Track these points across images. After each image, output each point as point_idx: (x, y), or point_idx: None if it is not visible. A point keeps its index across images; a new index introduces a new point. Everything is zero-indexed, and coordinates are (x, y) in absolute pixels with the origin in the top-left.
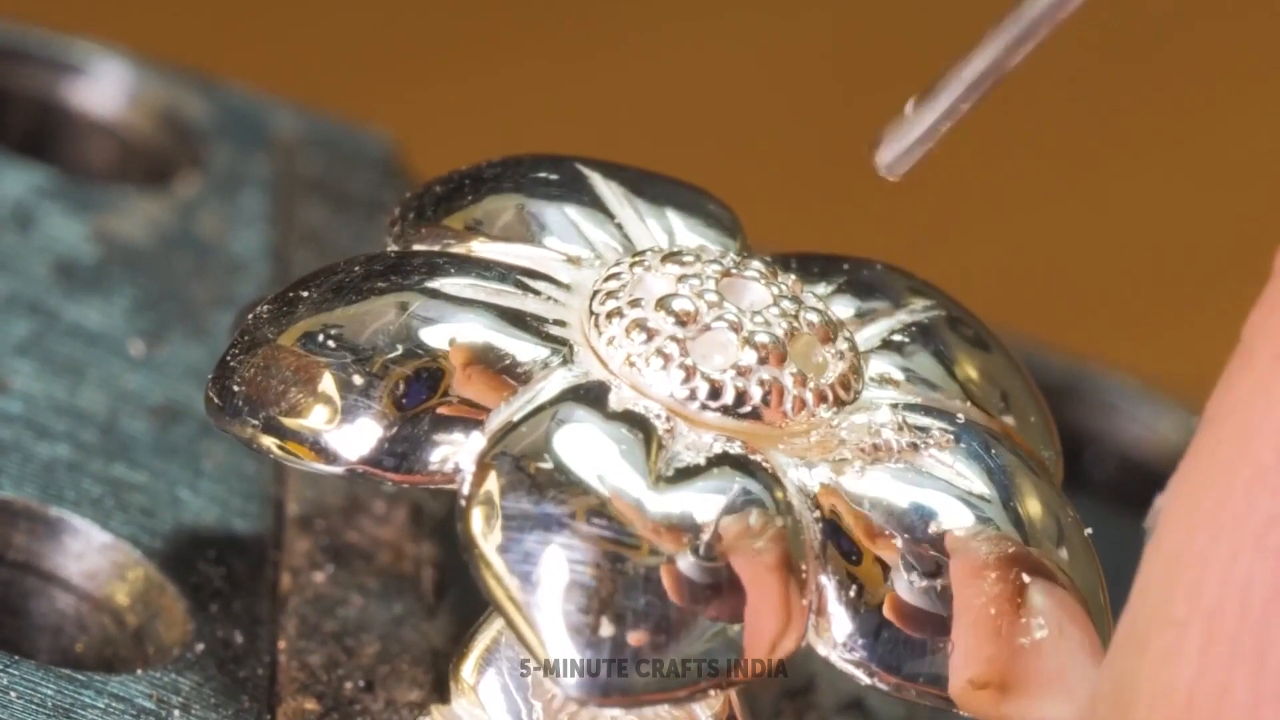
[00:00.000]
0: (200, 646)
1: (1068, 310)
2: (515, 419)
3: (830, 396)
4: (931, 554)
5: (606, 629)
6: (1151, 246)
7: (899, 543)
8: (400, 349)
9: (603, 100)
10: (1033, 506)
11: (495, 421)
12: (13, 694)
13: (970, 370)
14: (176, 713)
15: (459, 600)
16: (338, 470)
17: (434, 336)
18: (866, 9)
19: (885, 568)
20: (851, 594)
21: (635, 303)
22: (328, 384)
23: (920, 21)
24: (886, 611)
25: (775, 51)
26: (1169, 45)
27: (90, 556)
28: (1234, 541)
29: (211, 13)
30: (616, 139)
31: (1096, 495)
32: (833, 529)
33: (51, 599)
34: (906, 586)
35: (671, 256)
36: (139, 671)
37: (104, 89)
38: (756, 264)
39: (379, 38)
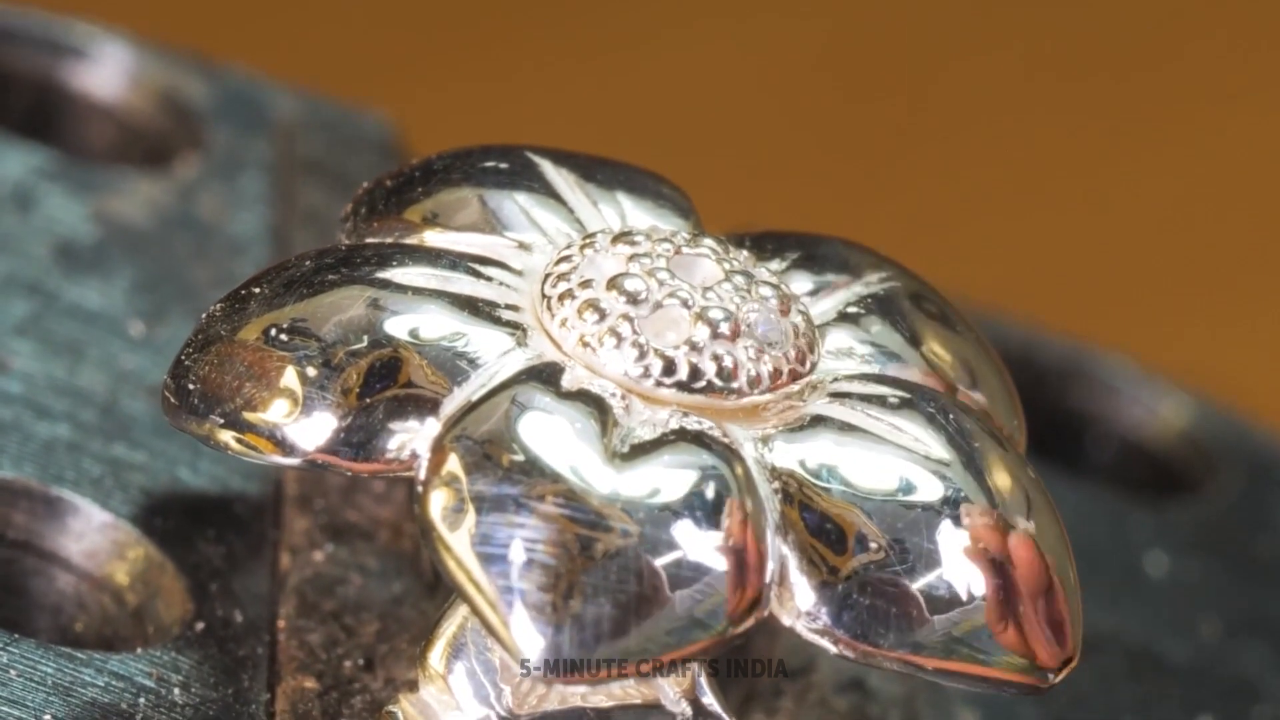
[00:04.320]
0: (200, 625)
1: (1066, 309)
2: (469, 403)
3: (785, 368)
4: (890, 519)
5: (567, 607)
6: (1150, 241)
7: (858, 509)
8: (354, 339)
9: (601, 98)
10: (994, 469)
11: (450, 406)
12: (12, 672)
13: (931, 341)
14: (176, 691)
15: None
16: (295, 462)
17: (387, 325)
18: (859, 15)
19: (845, 535)
20: (812, 563)
21: (586, 284)
22: (287, 377)
23: (911, 28)
24: (848, 579)
25: (772, 55)
26: (1172, 44)
27: (90, 536)
28: None
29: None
30: (613, 137)
31: (1098, 477)
32: (791, 499)
33: (51, 578)
34: (866, 553)
35: (622, 237)
36: (139, 650)
37: (104, 71)
38: (708, 242)
39: (380, 32)
